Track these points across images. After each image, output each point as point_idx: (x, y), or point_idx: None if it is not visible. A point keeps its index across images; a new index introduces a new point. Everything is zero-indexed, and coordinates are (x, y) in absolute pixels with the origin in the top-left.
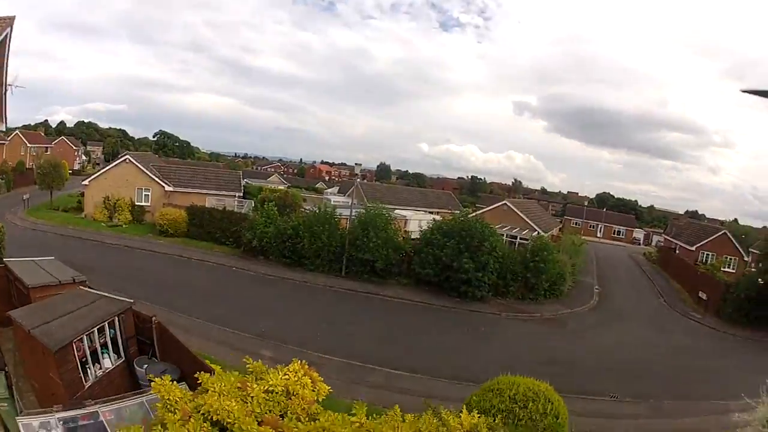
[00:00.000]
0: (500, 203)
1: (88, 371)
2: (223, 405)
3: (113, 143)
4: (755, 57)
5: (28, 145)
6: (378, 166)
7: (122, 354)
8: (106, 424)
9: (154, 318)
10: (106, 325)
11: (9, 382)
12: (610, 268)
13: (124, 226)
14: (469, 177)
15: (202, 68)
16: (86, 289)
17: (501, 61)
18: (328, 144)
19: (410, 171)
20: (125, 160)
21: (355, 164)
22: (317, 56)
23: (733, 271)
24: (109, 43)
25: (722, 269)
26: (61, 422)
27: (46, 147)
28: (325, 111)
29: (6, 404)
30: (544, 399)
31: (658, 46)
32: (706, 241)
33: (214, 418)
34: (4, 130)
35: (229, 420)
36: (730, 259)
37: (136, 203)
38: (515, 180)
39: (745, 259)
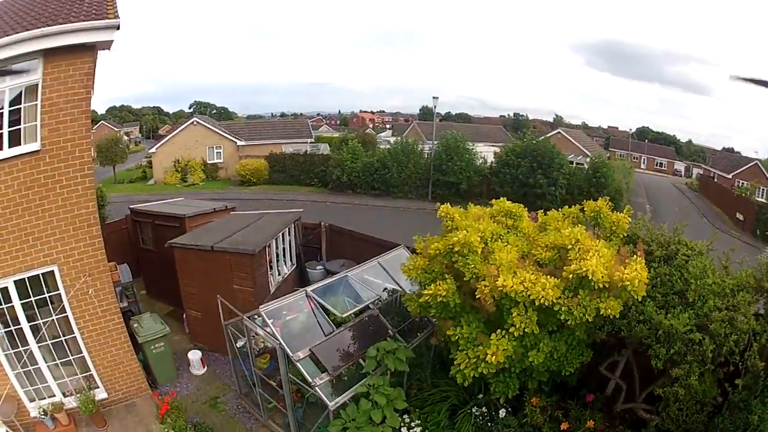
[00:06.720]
0: (554, 132)
1: (271, 278)
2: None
3: (151, 120)
4: None
5: None
6: (420, 109)
7: (295, 260)
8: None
9: (322, 223)
10: (286, 231)
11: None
12: (658, 192)
13: (200, 184)
14: (512, 115)
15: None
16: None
17: None
18: (360, 94)
19: (452, 112)
20: (193, 122)
21: (433, 98)
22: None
23: (765, 201)
24: None
25: (755, 198)
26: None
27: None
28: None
29: (162, 344)
30: None
31: None
32: (741, 169)
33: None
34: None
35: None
36: (763, 189)
37: (208, 162)
38: (556, 116)
39: None
